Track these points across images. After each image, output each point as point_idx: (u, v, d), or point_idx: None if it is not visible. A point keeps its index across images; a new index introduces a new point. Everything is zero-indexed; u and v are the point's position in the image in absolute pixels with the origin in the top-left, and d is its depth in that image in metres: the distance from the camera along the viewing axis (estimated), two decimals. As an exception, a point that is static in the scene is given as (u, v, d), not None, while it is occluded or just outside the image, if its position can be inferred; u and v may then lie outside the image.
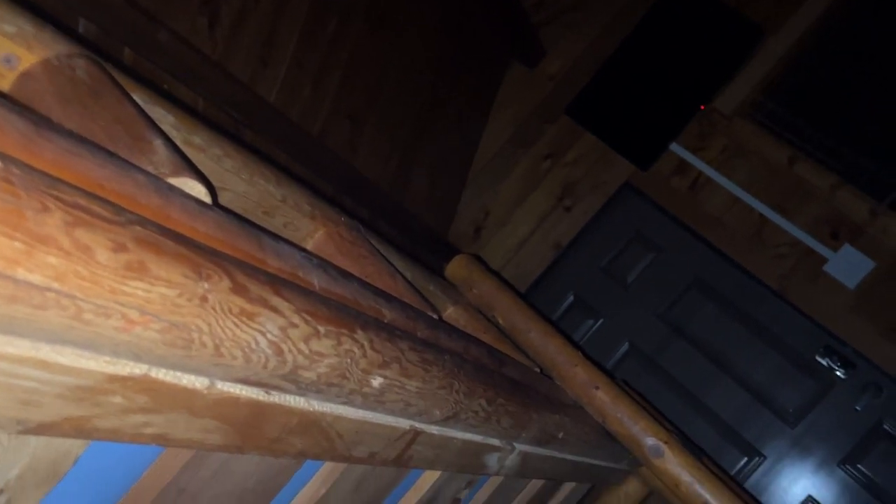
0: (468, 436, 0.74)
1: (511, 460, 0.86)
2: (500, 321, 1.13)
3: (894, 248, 2.38)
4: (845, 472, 2.25)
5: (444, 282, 1.21)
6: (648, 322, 2.58)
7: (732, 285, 2.50)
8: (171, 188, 0.43)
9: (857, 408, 2.28)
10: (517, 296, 1.15)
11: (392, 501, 0.82)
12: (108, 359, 0.35)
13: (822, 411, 2.32)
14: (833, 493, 2.24)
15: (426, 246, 2.51)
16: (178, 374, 0.39)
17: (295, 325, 0.42)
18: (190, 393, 0.40)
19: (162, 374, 0.38)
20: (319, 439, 0.52)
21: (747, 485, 2.29)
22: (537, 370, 1.06)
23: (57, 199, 0.29)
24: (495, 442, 0.81)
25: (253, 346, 0.40)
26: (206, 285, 0.36)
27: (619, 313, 2.63)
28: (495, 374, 0.81)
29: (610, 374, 1.16)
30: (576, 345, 1.16)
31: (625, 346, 2.60)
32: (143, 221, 0.34)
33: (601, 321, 2.65)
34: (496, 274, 1.19)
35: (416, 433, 0.64)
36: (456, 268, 1.19)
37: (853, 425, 2.28)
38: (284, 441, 0.49)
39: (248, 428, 0.45)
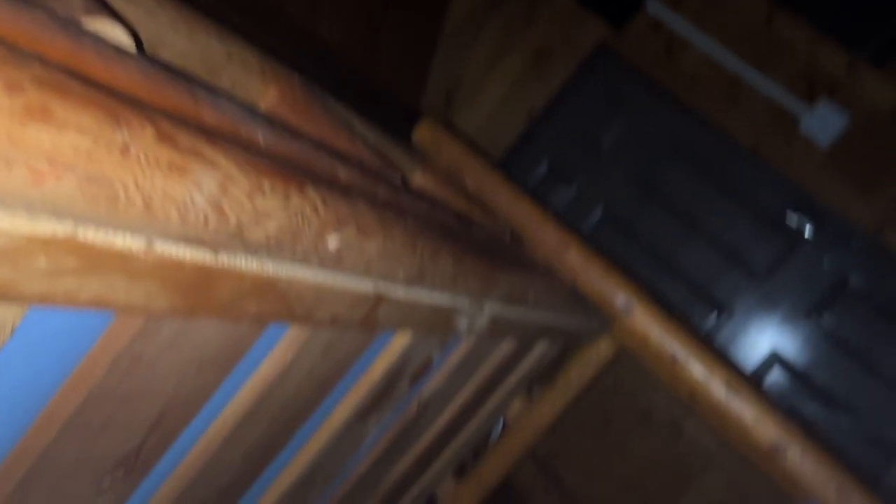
0: (435, 298, 0.73)
1: (481, 322, 0.86)
2: (469, 186, 1.10)
3: (870, 103, 2.35)
4: (810, 327, 2.33)
5: (412, 148, 1.18)
6: (622, 186, 2.58)
7: (706, 146, 2.48)
8: (84, 32, 0.38)
9: (824, 264, 2.33)
10: (486, 160, 1.12)
11: (363, 366, 0.83)
12: (23, 217, 0.32)
13: (789, 268, 2.37)
14: (797, 348, 2.33)
15: (394, 115, 2.44)
16: (110, 233, 0.36)
17: (235, 180, 0.39)
18: (125, 255, 0.38)
19: (91, 235, 0.35)
20: (276, 303, 0.51)
21: (716, 341, 2.37)
22: (507, 234, 1.05)
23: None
24: (464, 303, 0.80)
25: (188, 202, 0.37)
26: (125, 133, 0.32)
27: (593, 179, 2.62)
28: (462, 235, 0.79)
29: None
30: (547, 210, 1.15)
31: (599, 212, 2.60)
32: (45, 61, 0.30)
33: (576, 187, 2.63)
34: (466, 140, 1.16)
35: (381, 296, 0.62)
36: (423, 133, 1.15)
37: (819, 281, 2.34)
38: (238, 305, 0.47)
39: (197, 292, 0.43)
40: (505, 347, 1.16)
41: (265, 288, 0.48)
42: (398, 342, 0.83)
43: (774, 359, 2.34)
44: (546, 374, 1.55)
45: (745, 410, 0.93)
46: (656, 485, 2.35)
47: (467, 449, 1.50)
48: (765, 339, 2.37)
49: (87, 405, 0.48)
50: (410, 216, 0.63)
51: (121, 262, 0.38)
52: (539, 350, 1.37)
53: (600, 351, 1.44)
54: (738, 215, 2.43)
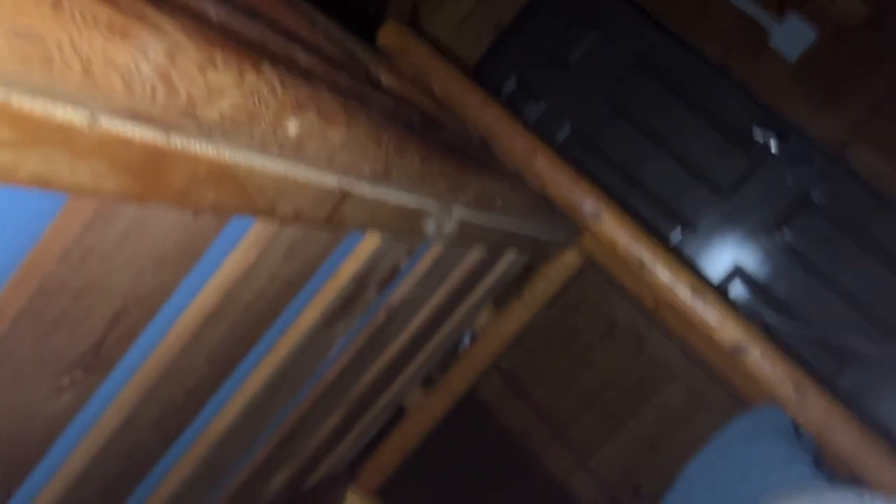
0: (403, 197, 0.72)
1: (449, 226, 0.85)
2: (437, 90, 1.07)
3: (838, 16, 2.33)
4: (772, 242, 2.37)
5: (378, 51, 1.13)
6: (590, 103, 2.55)
7: (675, 62, 2.45)
8: None
9: (788, 180, 2.35)
10: (454, 65, 1.08)
11: (329, 269, 0.81)
12: (-54, 77, 0.29)
13: (754, 184, 2.39)
14: (759, 262, 2.38)
15: (359, 22, 2.36)
16: (49, 103, 0.34)
17: (184, 50, 0.37)
18: (68, 129, 0.35)
19: (27, 103, 0.33)
20: (235, 193, 0.48)
21: (681, 256, 2.41)
22: (476, 139, 1.03)
23: None
24: (432, 206, 0.78)
25: (133, 70, 0.34)
26: (56, -16, 0.29)
27: (561, 95, 2.58)
28: (430, 134, 0.77)
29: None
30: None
31: (567, 129, 2.58)
32: None
33: (544, 103, 2.60)
34: (433, 45, 1.12)
35: (346, 192, 0.60)
36: (388, 35, 1.10)
37: (783, 197, 2.37)
38: (194, 192, 0.45)
39: (148, 175, 0.41)
40: (473, 256, 1.16)
41: (222, 175, 0.46)
42: (366, 246, 0.81)
43: (736, 272, 2.38)
44: (514, 286, 1.56)
45: (708, 313, 0.94)
46: (618, 396, 2.42)
47: (436, 360, 1.52)
48: (727, 253, 2.41)
49: (38, 298, 0.46)
50: (376, 109, 0.61)
51: (63, 137, 0.35)
52: (507, 260, 1.37)
53: (567, 262, 1.44)
54: (705, 131, 2.43)
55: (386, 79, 1.05)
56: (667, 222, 2.46)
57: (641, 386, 2.38)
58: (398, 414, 1.59)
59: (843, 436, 0.89)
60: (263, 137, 0.46)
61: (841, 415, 0.90)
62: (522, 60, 2.60)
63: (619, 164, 2.51)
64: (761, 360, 0.92)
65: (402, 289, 1.03)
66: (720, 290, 2.34)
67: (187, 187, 0.44)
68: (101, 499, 0.74)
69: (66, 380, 0.54)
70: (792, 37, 2.35)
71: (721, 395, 2.15)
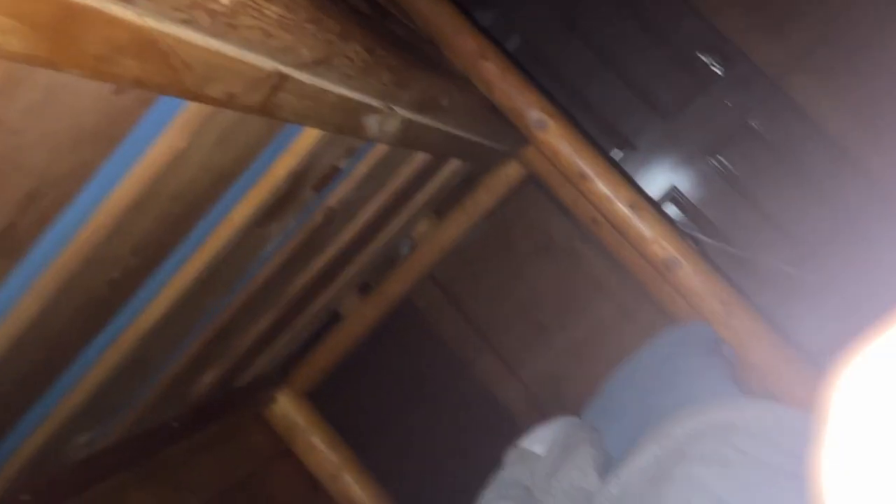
0: (343, 90, 0.68)
1: (391, 125, 0.82)
2: (384, -16, 1.01)
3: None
4: (708, 165, 2.41)
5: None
6: (543, 16, 2.49)
7: (630, -24, 2.40)
8: None
9: (729, 104, 2.37)
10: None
11: (264, 164, 0.78)
12: None
13: (695, 107, 2.41)
14: (695, 183, 2.42)
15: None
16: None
17: None
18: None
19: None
20: (160, 66, 0.45)
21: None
22: (424, 39, 0.98)
23: None
24: (374, 102, 0.75)
25: None
26: None
27: (514, 5, 2.51)
28: (377, 24, 0.73)
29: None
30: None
31: (517, 41, 2.52)
32: None
33: (493, 13, 2.52)
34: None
35: (283, 77, 0.57)
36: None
37: (723, 121, 2.39)
38: (114, 62, 0.41)
39: (60, 36, 0.37)
40: (416, 161, 1.13)
41: (145, 44, 0.42)
42: (303, 141, 0.78)
43: (672, 192, 2.43)
44: (455, 196, 1.55)
45: (644, 228, 0.95)
46: (550, 309, 2.47)
47: (373, 266, 1.51)
48: (665, 173, 2.44)
49: (-61, 170, 0.42)
50: (317, -8, 0.57)
51: (-42, -19, 0.31)
52: (450, 168, 1.35)
53: (510, 173, 1.43)
54: (650, 53, 2.41)
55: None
56: (608, 140, 2.46)
57: (573, 300, 2.44)
58: (333, 319, 1.59)
59: (763, 352, 0.93)
60: (192, 5, 0.42)
61: (763, 332, 0.93)
62: (475, -36, 2.50)
63: (566, 78, 2.48)
64: (692, 276, 0.94)
65: (341, 190, 1.00)
66: (656, 208, 2.39)
67: (105, 55, 0.41)
68: (18, 390, 0.72)
69: (-27, 262, 0.50)
70: (746, -42, 2.32)
71: (649, 310, 2.22)
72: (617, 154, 2.47)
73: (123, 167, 0.58)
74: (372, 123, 0.78)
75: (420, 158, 1.13)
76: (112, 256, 0.65)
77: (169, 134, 0.58)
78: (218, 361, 1.21)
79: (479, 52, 0.98)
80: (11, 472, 0.83)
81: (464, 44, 0.98)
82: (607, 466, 0.89)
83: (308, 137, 0.78)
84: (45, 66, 0.39)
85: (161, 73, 0.45)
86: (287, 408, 1.55)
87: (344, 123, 0.73)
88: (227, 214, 0.80)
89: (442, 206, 1.54)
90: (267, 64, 0.54)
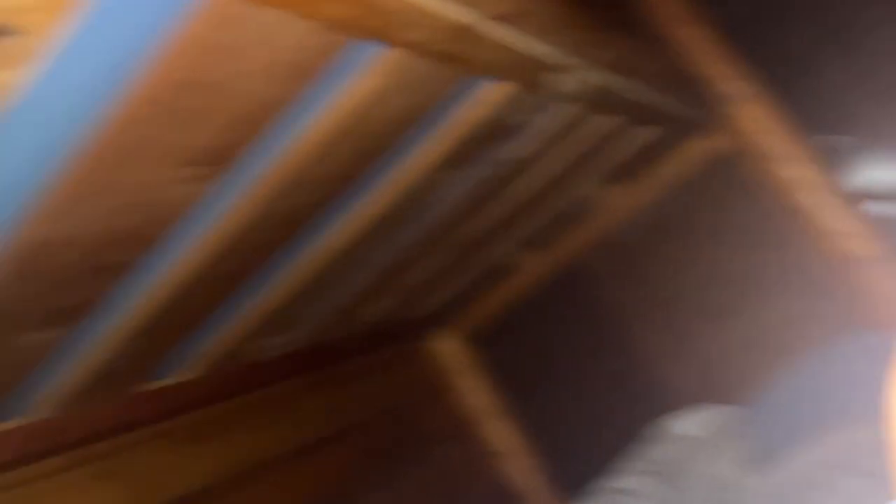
0: (536, 47, 0.69)
1: (585, 86, 0.82)
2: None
3: None
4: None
5: None
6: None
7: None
8: None
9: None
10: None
11: (454, 110, 0.80)
12: None
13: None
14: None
15: None
16: None
17: None
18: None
19: None
20: (364, 11, 0.48)
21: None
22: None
23: None
24: (570, 61, 0.75)
25: None
26: None
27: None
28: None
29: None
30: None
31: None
32: None
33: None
34: None
35: (472, 28, 0.59)
36: None
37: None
38: (321, 4, 0.46)
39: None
40: (605, 125, 1.11)
41: (352, -11, 0.46)
42: (491, 93, 0.80)
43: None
44: (645, 163, 1.51)
45: (837, 220, 0.88)
46: (731, 294, 2.35)
47: (553, 224, 1.51)
48: (883, 167, 2.21)
49: (178, 90, 0.49)
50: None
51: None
52: (641, 135, 1.32)
53: (704, 147, 1.37)
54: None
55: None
56: (824, 123, 2.25)
57: (755, 289, 2.30)
58: (507, 270, 1.62)
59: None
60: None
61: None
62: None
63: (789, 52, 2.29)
64: (886, 279, 0.87)
65: (526, 145, 1.01)
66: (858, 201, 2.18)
67: (314, -2, 0.45)
68: (218, 285, 0.81)
69: (187, 171, 0.58)
70: None
71: (835, 311, 2.05)
72: (835, 140, 2.26)
73: (326, 100, 0.64)
74: (567, 83, 0.78)
75: (610, 121, 1.11)
76: (306, 183, 0.72)
77: (368, 75, 0.63)
78: (395, 290, 1.28)
79: (684, 17, 0.94)
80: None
81: (668, 7, 0.95)
82: (761, 461, 0.86)
83: (496, 90, 0.80)
84: (264, 4, 0.43)
85: (364, 17, 0.49)
86: (450, 347, 1.61)
87: (535, 80, 0.74)
88: (414, 154, 0.84)
89: (630, 172, 1.51)
90: (460, 14, 0.56)
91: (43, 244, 0.53)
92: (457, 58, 0.61)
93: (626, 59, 0.81)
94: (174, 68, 0.48)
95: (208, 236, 0.71)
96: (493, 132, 0.88)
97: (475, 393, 1.56)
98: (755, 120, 0.91)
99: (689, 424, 0.98)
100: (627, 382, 2.27)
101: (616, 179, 1.52)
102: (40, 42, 0.38)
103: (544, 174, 1.19)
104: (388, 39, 0.54)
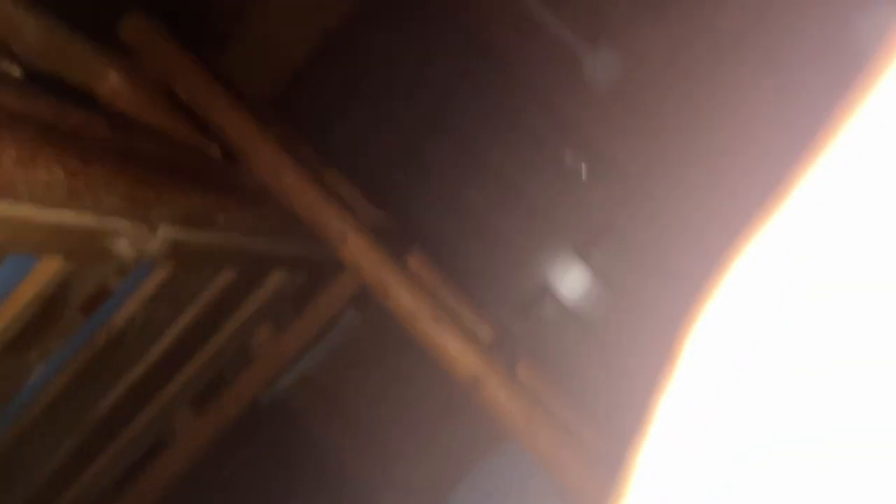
0: (68, 217, 0.63)
1: (154, 246, 0.77)
2: (181, 94, 0.99)
3: (646, 53, 2.45)
4: (579, 263, 2.45)
5: (119, 48, 1.03)
6: (410, 119, 2.54)
7: (495, 82, 2.49)
8: None
9: (594, 205, 2.45)
10: (204, 67, 1.00)
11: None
12: None
13: (563, 206, 2.47)
14: (566, 282, 2.45)
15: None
16: None
17: None
18: None
19: None
20: None
21: (490, 274, 2.44)
22: (216, 150, 0.95)
23: None
24: (120, 224, 0.70)
25: None
26: None
27: (381, 110, 2.55)
28: (119, 145, 0.69)
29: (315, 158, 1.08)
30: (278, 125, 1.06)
31: (378, 147, 2.55)
32: None
33: (367, 114, 2.56)
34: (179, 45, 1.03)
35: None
36: (132, 30, 1.01)
37: (589, 220, 2.46)
38: None
39: None
40: (223, 277, 1.08)
41: None
42: (45, 267, 0.72)
43: (544, 292, 2.45)
44: (296, 303, 1.50)
45: (448, 342, 0.92)
46: (431, 409, 2.41)
47: (205, 380, 1.42)
48: (536, 273, 2.47)
49: None
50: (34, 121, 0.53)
51: None
52: (275, 280, 1.30)
53: (346, 282, 1.39)
54: (519, 153, 2.48)
55: (119, 81, 0.95)
56: (475, 241, 2.48)
57: (451, 399, 2.39)
58: (161, 443, 1.47)
59: (569, 468, 0.89)
60: None
61: (567, 445, 0.90)
62: (346, 71, 2.55)
63: (436, 181, 2.51)
64: (497, 393, 0.91)
65: (127, 311, 0.93)
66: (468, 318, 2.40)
67: None
68: None
69: None
70: (604, 67, 2.45)
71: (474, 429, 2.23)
72: (484, 254, 2.48)
73: None
74: (123, 246, 0.72)
75: (229, 274, 1.08)
76: None
77: None
78: (12, 494, 1.09)
79: (277, 163, 0.95)
80: None
81: (261, 155, 0.95)
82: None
83: (50, 263, 0.72)
84: None
85: None
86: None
87: (79, 249, 0.68)
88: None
89: (282, 314, 1.49)
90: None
91: None
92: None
93: (199, 212, 0.79)
94: None
95: None
96: (64, 306, 0.79)
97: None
98: (358, 252, 0.94)
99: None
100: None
101: (272, 322, 1.48)
102: None
103: (172, 334, 1.11)
104: None
